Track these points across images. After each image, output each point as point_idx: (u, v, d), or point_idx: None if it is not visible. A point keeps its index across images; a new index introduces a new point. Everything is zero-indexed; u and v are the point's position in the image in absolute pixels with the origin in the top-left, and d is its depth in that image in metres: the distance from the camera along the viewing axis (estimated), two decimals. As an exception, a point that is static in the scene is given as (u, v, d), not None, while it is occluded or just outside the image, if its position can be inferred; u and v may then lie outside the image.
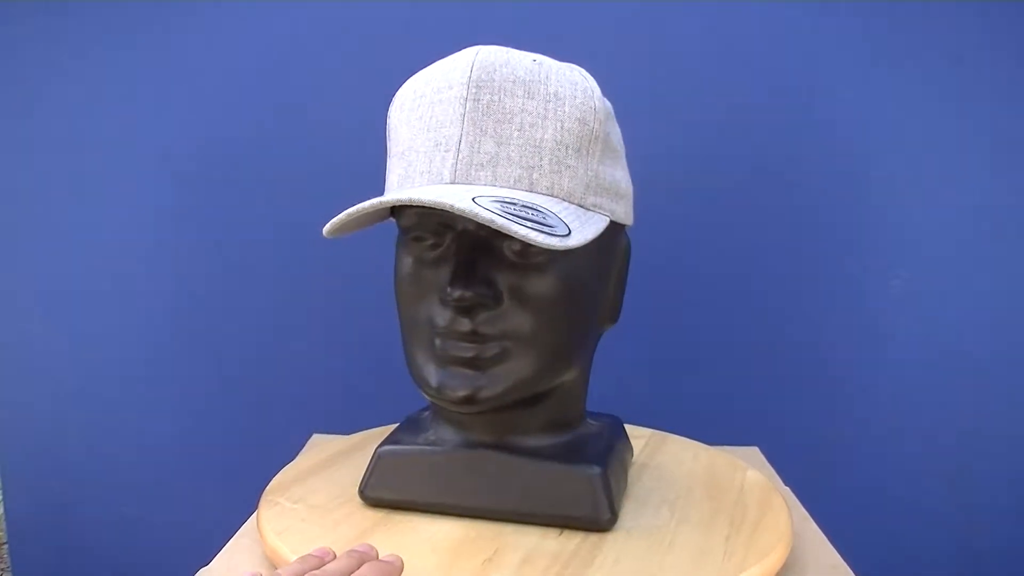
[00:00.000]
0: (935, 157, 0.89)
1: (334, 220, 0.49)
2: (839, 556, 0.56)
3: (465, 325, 0.51)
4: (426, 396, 0.55)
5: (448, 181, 0.50)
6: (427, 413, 0.63)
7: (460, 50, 0.55)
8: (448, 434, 0.58)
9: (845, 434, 0.92)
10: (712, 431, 0.77)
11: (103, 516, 0.98)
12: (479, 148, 0.50)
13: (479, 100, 0.51)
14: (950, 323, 0.90)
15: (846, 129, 0.89)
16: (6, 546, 1.24)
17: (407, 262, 0.54)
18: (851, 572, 0.53)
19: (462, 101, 0.51)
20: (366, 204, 0.47)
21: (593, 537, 0.53)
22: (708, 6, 0.88)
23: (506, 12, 0.88)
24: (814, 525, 0.61)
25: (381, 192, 0.59)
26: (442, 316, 0.52)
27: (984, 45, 0.87)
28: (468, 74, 0.51)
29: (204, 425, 0.96)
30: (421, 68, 0.56)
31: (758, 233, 0.91)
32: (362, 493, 0.58)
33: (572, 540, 0.53)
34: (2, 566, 1.42)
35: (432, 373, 0.53)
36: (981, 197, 0.88)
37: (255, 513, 0.59)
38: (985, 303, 0.90)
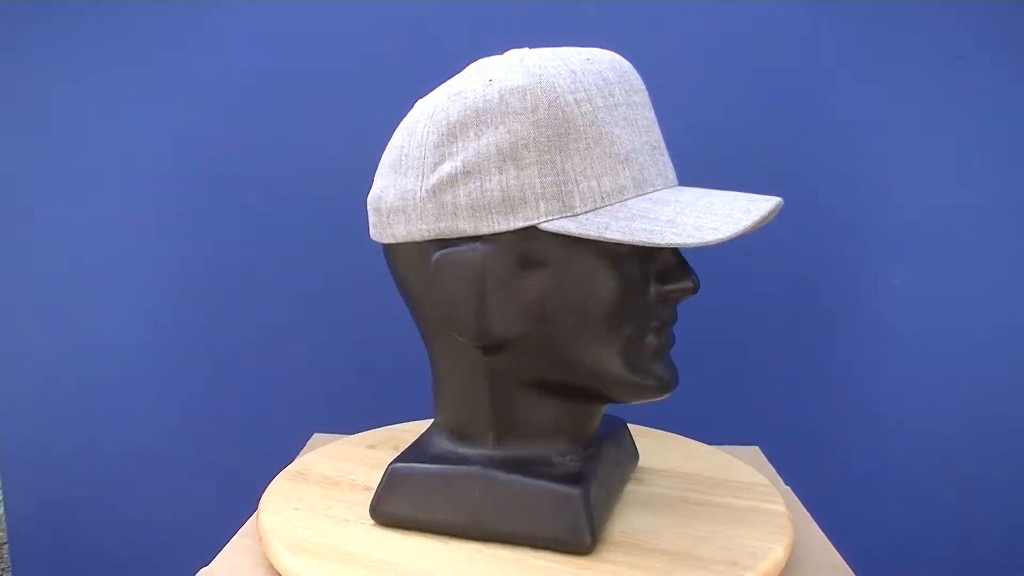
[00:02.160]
0: (935, 157, 0.88)
1: (742, 229, 0.47)
2: (839, 556, 0.56)
3: (675, 313, 0.54)
4: (644, 398, 0.53)
5: (673, 184, 0.53)
6: (467, 441, 0.55)
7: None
8: (567, 442, 0.55)
9: (845, 434, 0.92)
10: (712, 431, 0.77)
11: (103, 516, 0.98)
12: (667, 152, 0.53)
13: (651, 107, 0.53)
14: (950, 322, 0.90)
15: (846, 129, 0.89)
16: (6, 546, 1.24)
17: (624, 271, 0.50)
18: (851, 572, 0.53)
19: (649, 107, 0.53)
20: (753, 215, 0.48)
21: (655, 477, 0.65)
22: (707, 6, 0.88)
23: (505, 12, 0.88)
24: (814, 525, 0.61)
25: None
26: (661, 309, 0.53)
27: (984, 45, 0.87)
28: (639, 80, 0.53)
29: (204, 425, 0.96)
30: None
31: (757, 232, 0.90)
32: (587, 545, 0.50)
33: (656, 478, 0.64)
34: (2, 566, 1.42)
35: (660, 368, 0.53)
36: (981, 196, 0.88)
37: (255, 513, 0.59)
38: (985, 302, 0.90)
